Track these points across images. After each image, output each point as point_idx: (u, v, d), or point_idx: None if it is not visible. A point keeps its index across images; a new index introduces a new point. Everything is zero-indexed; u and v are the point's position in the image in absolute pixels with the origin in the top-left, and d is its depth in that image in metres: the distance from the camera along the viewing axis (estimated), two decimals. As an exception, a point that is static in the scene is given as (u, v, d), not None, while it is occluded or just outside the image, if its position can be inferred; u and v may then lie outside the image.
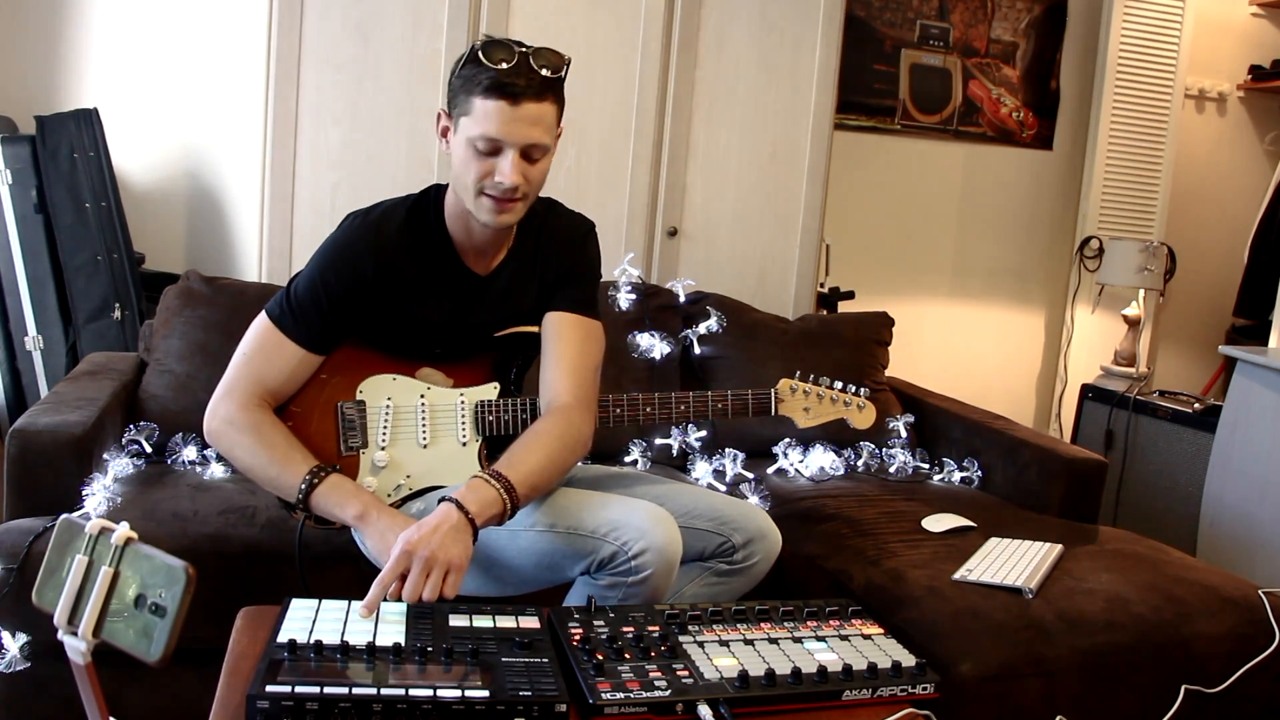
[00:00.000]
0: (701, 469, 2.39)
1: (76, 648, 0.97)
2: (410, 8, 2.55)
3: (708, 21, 2.79)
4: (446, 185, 1.66)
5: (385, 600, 1.35)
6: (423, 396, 1.68)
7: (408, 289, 1.63)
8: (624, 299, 2.56)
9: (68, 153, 2.57)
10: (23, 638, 1.74)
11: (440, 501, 1.45)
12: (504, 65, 1.47)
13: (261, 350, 1.60)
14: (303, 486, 1.52)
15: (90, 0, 2.82)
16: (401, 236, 1.62)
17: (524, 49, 1.50)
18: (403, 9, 2.55)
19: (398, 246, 1.61)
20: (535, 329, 1.73)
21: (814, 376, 1.84)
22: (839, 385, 1.85)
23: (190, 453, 2.11)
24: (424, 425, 1.68)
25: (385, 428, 1.67)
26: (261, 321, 1.62)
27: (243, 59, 2.86)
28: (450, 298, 1.66)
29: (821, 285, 3.17)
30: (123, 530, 0.98)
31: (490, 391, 1.71)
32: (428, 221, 1.64)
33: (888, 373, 2.83)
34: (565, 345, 1.68)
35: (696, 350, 2.62)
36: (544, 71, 1.50)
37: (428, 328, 1.67)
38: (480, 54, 1.48)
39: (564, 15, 2.67)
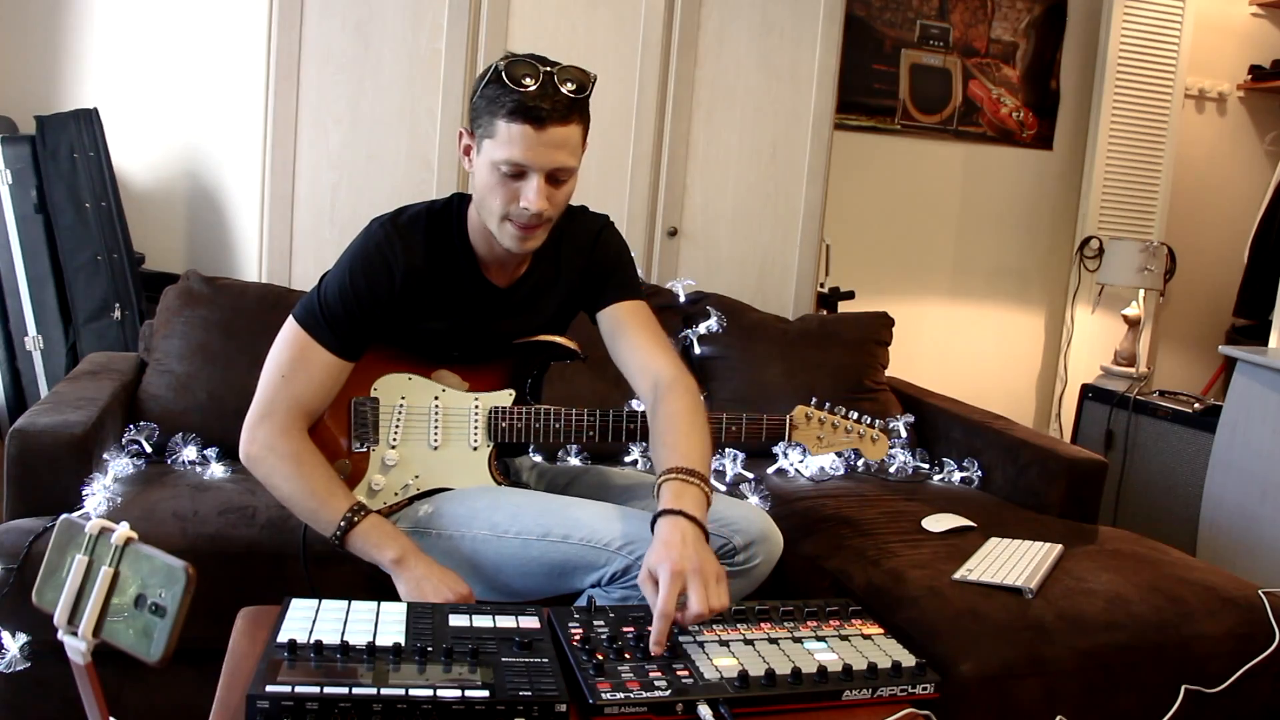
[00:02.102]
0: (701, 469, 2.38)
1: (76, 648, 0.97)
2: (410, 8, 2.55)
3: (708, 21, 2.79)
4: (469, 196, 1.63)
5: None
6: (437, 398, 1.68)
7: (428, 299, 1.61)
8: (624, 299, 2.55)
9: (68, 153, 2.57)
10: (23, 638, 1.74)
11: (656, 518, 1.39)
12: (528, 87, 1.43)
13: (295, 363, 1.56)
14: (341, 524, 1.52)
15: (90, 0, 2.82)
16: (426, 246, 1.59)
17: (548, 68, 1.46)
18: (403, 9, 2.55)
19: (423, 255, 1.59)
20: (555, 338, 1.73)
21: (829, 405, 1.84)
22: (854, 416, 1.85)
23: (190, 453, 2.11)
24: (436, 427, 1.68)
25: (397, 426, 1.67)
26: (291, 330, 1.57)
27: (243, 59, 2.86)
28: (470, 309, 1.65)
29: (821, 285, 3.17)
30: (123, 530, 0.98)
31: (505, 398, 1.71)
32: (450, 232, 1.62)
33: (888, 373, 2.83)
34: (638, 329, 1.68)
35: (697, 350, 2.62)
36: (569, 92, 1.46)
37: (446, 337, 1.66)
38: (504, 74, 1.44)
39: (564, 15, 2.67)
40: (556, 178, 1.50)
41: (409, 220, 1.60)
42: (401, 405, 1.67)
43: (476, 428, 1.69)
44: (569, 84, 1.46)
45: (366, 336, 1.60)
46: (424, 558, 1.53)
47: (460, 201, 1.64)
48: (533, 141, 1.45)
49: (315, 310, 1.56)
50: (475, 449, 1.69)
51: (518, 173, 1.47)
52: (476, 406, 1.70)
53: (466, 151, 1.55)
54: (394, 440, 1.66)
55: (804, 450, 2.46)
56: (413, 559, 1.51)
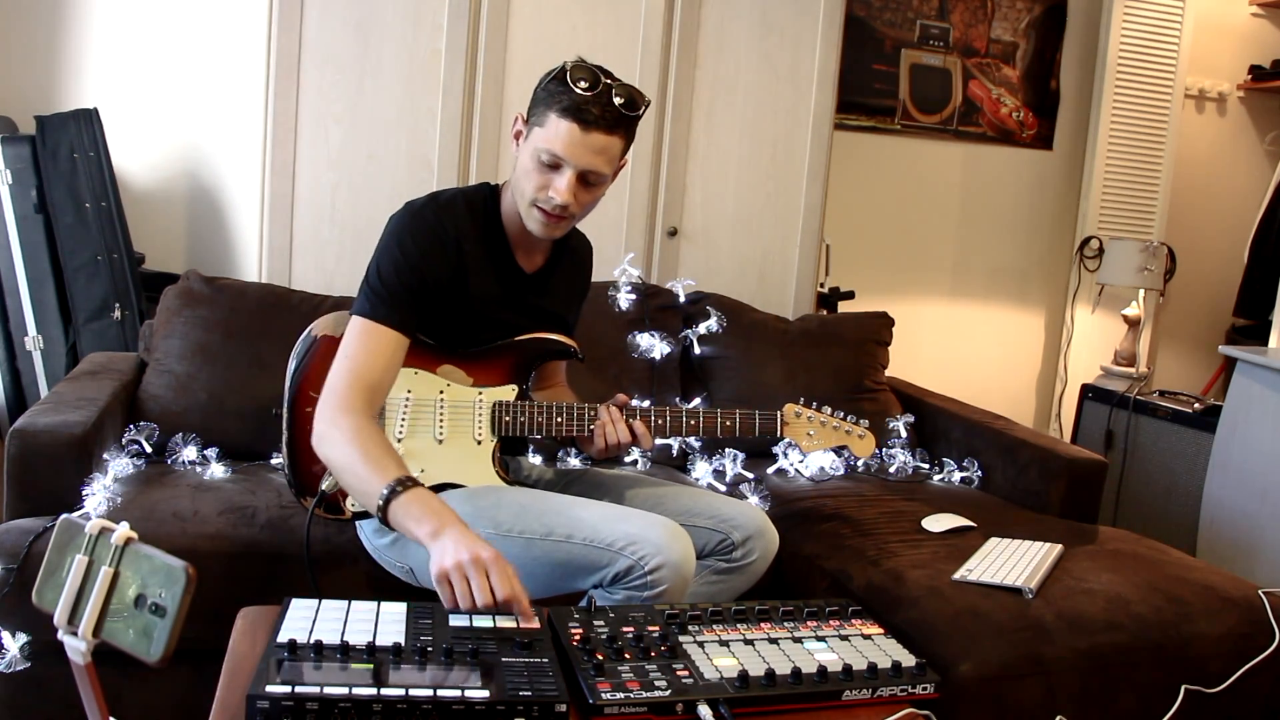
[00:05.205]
0: (701, 469, 2.39)
1: (76, 648, 0.97)
2: (410, 8, 2.55)
3: (708, 21, 2.79)
4: (498, 185, 1.74)
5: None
6: (442, 392, 1.71)
7: (470, 270, 1.68)
8: (624, 299, 2.56)
9: (68, 153, 2.57)
10: (23, 638, 1.74)
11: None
12: (585, 90, 1.54)
13: (354, 344, 1.59)
14: (384, 492, 1.43)
15: (90, 0, 2.82)
16: (468, 219, 1.69)
17: (608, 80, 1.57)
18: (403, 9, 2.55)
19: (467, 226, 1.68)
20: (557, 336, 1.79)
21: (817, 404, 1.87)
22: (840, 414, 1.88)
23: (190, 453, 2.11)
24: (441, 421, 1.69)
25: (404, 419, 1.68)
26: (352, 324, 1.61)
27: (243, 59, 2.86)
28: (501, 286, 1.73)
29: (821, 285, 3.17)
30: (123, 530, 0.98)
31: (509, 393, 1.73)
32: (486, 212, 1.71)
33: (888, 373, 2.83)
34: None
35: (696, 350, 2.62)
36: (621, 106, 1.57)
37: (478, 314, 1.71)
38: (567, 74, 1.56)
39: (564, 15, 2.67)
40: (588, 179, 1.60)
41: (450, 197, 1.70)
42: (408, 398, 1.69)
43: (481, 421, 1.71)
44: (621, 99, 1.57)
45: (420, 311, 1.64)
46: (463, 529, 1.38)
47: (491, 188, 1.74)
48: (576, 140, 1.56)
49: (367, 293, 1.62)
50: (479, 443, 1.71)
51: (554, 164, 1.58)
52: (481, 400, 1.71)
53: (516, 136, 1.65)
54: (400, 433, 1.68)
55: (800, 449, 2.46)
56: (448, 533, 1.37)
